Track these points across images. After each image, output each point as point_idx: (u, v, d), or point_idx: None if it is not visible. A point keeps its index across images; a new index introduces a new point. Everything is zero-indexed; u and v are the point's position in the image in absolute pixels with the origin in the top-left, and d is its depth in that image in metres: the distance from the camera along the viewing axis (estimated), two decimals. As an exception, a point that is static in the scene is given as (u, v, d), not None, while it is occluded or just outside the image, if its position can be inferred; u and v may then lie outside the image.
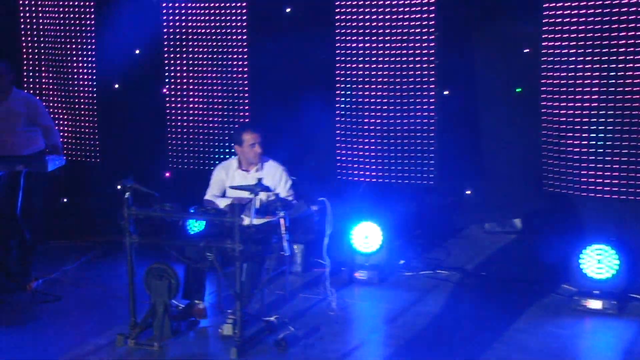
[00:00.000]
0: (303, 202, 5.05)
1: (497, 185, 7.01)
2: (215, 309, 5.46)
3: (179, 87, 7.27)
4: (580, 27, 5.70)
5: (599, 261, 5.39)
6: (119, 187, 5.02)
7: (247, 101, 6.98)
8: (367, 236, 6.21)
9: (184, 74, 7.21)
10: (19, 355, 4.81)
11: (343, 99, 6.53)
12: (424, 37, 6.18)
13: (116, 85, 7.62)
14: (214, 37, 7.03)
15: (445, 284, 6.09)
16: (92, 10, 7.40)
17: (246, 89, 6.99)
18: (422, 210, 7.20)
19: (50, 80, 7.71)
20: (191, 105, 7.24)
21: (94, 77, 7.52)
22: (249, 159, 5.56)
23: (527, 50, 6.24)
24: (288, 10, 6.77)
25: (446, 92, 6.35)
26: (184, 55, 7.17)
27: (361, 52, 6.42)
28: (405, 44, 6.22)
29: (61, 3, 7.48)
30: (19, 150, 6.18)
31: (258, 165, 5.53)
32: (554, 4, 5.81)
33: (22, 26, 7.70)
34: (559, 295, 5.66)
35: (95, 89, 7.54)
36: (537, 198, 6.70)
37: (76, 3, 7.44)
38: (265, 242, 4.96)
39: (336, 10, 6.48)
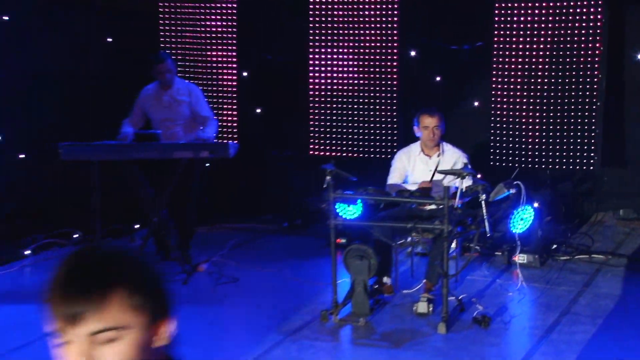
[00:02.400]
0: (502, 185, 5.67)
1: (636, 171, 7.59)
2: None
3: (323, 67, 7.74)
4: None
5: None
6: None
7: (395, 89, 7.53)
8: (524, 220, 6.85)
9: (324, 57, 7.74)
10: (236, 325, 5.56)
11: (500, 85, 7.13)
12: (590, 17, 6.69)
13: (244, 73, 8.19)
14: (361, 11, 7.52)
15: (607, 267, 6.65)
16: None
17: (395, 75, 7.51)
18: (556, 196, 7.83)
19: (186, 63, 8.21)
20: (335, 87, 7.73)
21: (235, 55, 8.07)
22: (423, 141, 6.15)
23: None
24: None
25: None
26: (329, 32, 7.66)
27: (522, 33, 6.96)
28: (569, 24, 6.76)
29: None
30: (181, 137, 6.76)
31: (439, 150, 6.16)
32: None
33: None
34: None
35: (235, 71, 8.09)
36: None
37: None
38: (466, 224, 5.61)
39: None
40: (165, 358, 1.68)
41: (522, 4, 6.89)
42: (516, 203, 5.99)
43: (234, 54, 8.02)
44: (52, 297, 1.54)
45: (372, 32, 7.51)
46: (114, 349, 1.54)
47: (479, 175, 5.84)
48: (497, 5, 6.97)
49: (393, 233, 5.83)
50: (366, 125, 7.69)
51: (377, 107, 7.63)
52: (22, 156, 7.31)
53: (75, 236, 7.31)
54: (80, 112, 7.72)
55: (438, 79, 7.75)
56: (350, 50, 7.63)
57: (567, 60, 6.82)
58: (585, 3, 6.65)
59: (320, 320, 5.49)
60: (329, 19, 7.66)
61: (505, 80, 7.07)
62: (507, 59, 7.03)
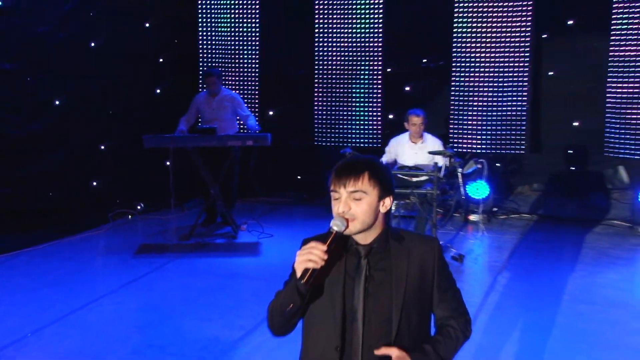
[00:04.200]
0: (472, 161, 6.85)
1: (552, 156, 8.78)
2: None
3: (325, 77, 8.69)
4: None
5: None
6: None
7: (379, 94, 8.64)
8: (479, 189, 8.06)
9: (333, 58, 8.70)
10: (277, 263, 6.38)
11: (456, 93, 8.33)
12: (521, 43, 8.02)
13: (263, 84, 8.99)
14: (354, 39, 8.59)
15: (531, 223, 8.00)
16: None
17: (379, 86, 8.55)
18: (494, 173, 9.08)
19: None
20: (334, 93, 8.71)
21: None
22: (411, 134, 7.24)
23: None
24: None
25: (551, 73, 8.14)
26: (331, 51, 8.62)
27: (472, 55, 8.19)
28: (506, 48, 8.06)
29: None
30: (225, 132, 7.62)
31: (422, 139, 7.28)
32: None
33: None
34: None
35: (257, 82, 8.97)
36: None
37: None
38: (446, 190, 6.77)
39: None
40: (384, 222, 2.48)
41: (473, 35, 8.13)
42: (480, 175, 7.21)
43: (257, 67, 8.96)
44: (334, 174, 2.40)
45: (361, 54, 8.59)
46: (359, 205, 2.37)
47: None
48: (454, 36, 8.19)
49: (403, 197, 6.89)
50: (357, 121, 8.72)
51: (365, 108, 8.67)
52: (102, 147, 8.02)
53: (138, 207, 8.12)
54: (139, 114, 8.45)
55: (407, 88, 8.85)
56: (345, 67, 8.65)
57: (505, 74, 8.08)
58: (517, 33, 7.95)
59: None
60: (331, 42, 8.64)
61: (460, 88, 8.26)
62: (461, 74, 8.24)
